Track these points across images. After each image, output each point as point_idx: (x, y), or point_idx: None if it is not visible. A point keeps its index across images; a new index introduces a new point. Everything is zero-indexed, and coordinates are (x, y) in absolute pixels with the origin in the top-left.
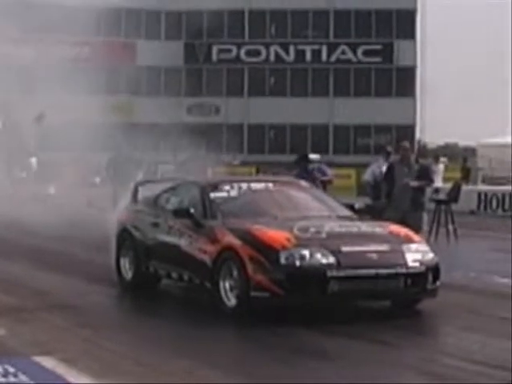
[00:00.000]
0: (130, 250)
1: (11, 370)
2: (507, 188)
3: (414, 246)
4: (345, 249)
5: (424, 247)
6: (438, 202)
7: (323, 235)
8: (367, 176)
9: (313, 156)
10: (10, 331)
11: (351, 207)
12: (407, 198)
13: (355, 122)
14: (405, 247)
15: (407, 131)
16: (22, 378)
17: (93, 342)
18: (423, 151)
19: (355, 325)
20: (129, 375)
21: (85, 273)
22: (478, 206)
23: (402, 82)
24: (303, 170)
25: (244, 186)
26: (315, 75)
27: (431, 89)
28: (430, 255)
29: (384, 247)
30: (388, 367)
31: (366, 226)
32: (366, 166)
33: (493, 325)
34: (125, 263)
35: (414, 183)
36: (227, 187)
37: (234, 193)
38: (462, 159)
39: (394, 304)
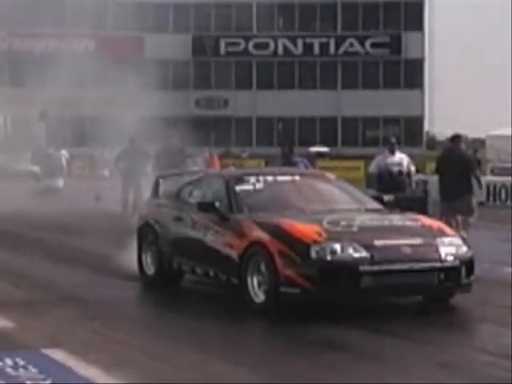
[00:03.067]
0: (152, 244)
1: (21, 362)
2: None
3: (447, 240)
4: (377, 243)
5: (458, 241)
6: None
7: (354, 229)
8: (372, 168)
9: (320, 149)
10: (20, 324)
11: (380, 200)
12: None
13: (363, 114)
14: (438, 241)
15: (416, 123)
16: (32, 370)
17: (102, 335)
18: (432, 143)
19: (385, 321)
20: (139, 367)
21: (94, 266)
22: (487, 198)
23: (410, 74)
24: (287, 162)
25: (269, 178)
26: (323, 68)
27: (439, 80)
28: (464, 249)
29: (417, 241)
30: (419, 364)
31: (397, 219)
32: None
33: None
34: (146, 258)
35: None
36: (252, 180)
37: (259, 185)
38: (473, 150)
39: (427, 299)
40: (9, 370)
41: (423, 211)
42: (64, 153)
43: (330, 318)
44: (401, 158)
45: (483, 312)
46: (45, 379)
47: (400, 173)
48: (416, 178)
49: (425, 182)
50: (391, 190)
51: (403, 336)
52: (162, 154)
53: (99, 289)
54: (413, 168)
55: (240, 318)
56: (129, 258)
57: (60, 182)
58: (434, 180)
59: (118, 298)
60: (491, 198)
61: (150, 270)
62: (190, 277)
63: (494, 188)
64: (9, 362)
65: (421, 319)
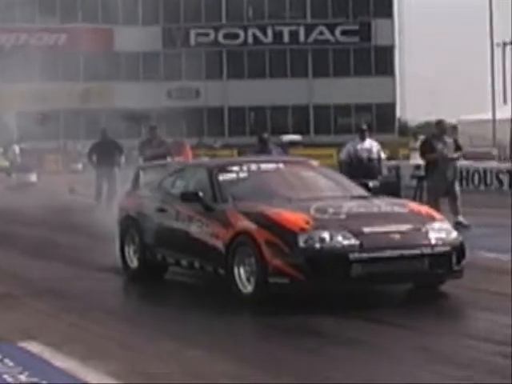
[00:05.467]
0: (135, 237)
1: None
2: (489, 164)
3: (437, 225)
4: (366, 230)
5: (447, 226)
6: (420, 179)
7: (342, 216)
8: (342, 155)
9: (293, 137)
10: None
11: (365, 186)
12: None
13: (335, 102)
14: (428, 226)
15: (387, 110)
16: (9, 363)
17: (78, 327)
18: (404, 129)
19: (374, 308)
20: (115, 358)
21: (70, 259)
22: (460, 182)
23: (381, 61)
24: (262, 149)
25: (253, 166)
26: (293, 56)
27: (410, 67)
28: (454, 234)
29: (407, 227)
30: (402, 349)
31: (385, 206)
32: None
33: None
34: (129, 251)
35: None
36: (236, 168)
37: (243, 174)
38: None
39: (417, 286)
40: None
41: (396, 196)
42: (15, 147)
43: (317, 305)
44: (371, 145)
45: (464, 296)
46: (21, 372)
47: (370, 159)
48: (388, 163)
49: (397, 168)
50: (362, 176)
51: (390, 323)
52: (145, 145)
53: (75, 282)
54: (383, 154)
55: (222, 309)
56: (105, 250)
57: (33, 177)
58: (405, 165)
59: (95, 291)
60: (464, 183)
61: (133, 262)
62: (175, 269)
63: (467, 173)
64: None
65: (408, 305)
